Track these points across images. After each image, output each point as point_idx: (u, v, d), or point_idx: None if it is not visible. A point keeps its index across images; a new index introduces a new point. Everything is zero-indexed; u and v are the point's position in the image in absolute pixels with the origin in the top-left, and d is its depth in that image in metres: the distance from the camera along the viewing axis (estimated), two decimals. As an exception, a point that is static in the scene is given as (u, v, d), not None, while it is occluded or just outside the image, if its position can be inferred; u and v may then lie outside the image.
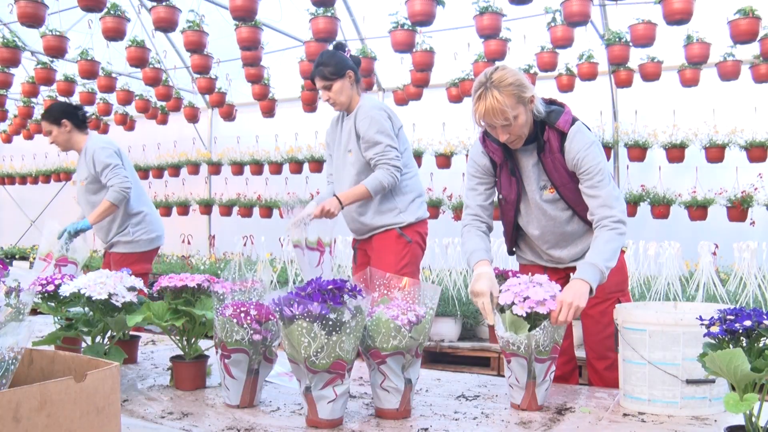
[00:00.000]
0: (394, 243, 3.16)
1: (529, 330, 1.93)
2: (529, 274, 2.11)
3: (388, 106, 3.30)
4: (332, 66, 3.14)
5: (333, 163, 3.34)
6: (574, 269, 2.43)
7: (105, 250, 4.08)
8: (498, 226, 2.62)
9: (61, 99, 8.05)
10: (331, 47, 3.30)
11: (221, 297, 1.99)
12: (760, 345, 1.44)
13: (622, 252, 2.52)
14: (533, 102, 2.25)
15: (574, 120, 2.33)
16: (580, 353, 2.79)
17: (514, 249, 2.66)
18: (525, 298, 1.93)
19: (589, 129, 2.37)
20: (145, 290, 2.35)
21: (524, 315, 1.93)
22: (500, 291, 2.04)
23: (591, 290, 2.10)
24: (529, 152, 2.37)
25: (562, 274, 2.53)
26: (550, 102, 2.38)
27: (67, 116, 3.92)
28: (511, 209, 2.49)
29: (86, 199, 3.95)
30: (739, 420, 1.58)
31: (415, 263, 3.22)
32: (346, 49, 3.31)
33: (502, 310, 2.02)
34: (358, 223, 3.22)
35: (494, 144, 2.39)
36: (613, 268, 2.27)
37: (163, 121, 9.16)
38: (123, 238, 3.95)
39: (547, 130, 2.30)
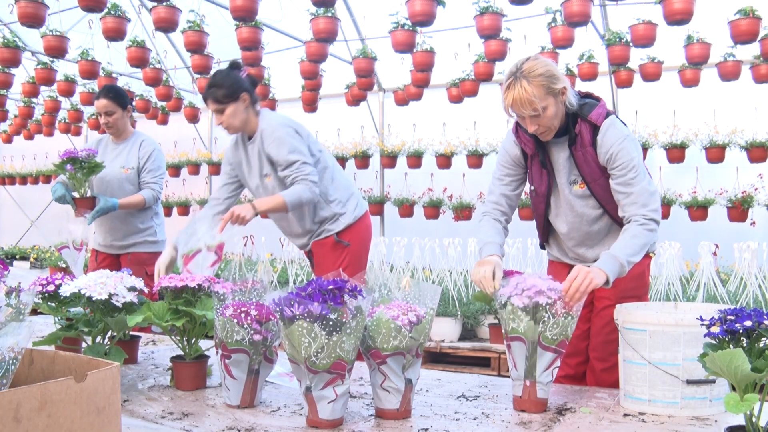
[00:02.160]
0: (331, 251, 3.14)
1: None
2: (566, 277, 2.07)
3: (289, 118, 3.14)
4: (225, 88, 2.95)
5: (248, 185, 3.20)
6: None
7: (110, 252, 3.97)
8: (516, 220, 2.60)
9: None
10: (226, 66, 3.11)
11: (222, 297, 1.99)
12: (761, 345, 1.44)
13: (649, 258, 2.49)
14: (565, 94, 2.22)
15: (608, 114, 2.29)
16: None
17: (545, 244, 2.64)
18: (523, 290, 1.93)
19: (624, 124, 2.33)
20: (146, 290, 2.35)
21: (521, 306, 1.91)
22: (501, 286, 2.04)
23: (608, 281, 2.08)
24: (560, 145, 2.33)
25: None
26: (585, 95, 2.35)
27: (130, 102, 3.94)
28: (541, 202, 2.46)
29: (120, 187, 3.84)
30: (739, 420, 1.58)
31: (356, 263, 3.15)
32: (243, 68, 3.12)
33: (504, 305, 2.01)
34: (297, 237, 3.20)
35: (526, 134, 2.35)
36: (632, 272, 2.26)
37: (164, 122, 9.17)
38: (150, 238, 3.92)
39: (579, 123, 2.27)
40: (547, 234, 2.58)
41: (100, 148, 3.98)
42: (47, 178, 10.36)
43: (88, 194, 3.67)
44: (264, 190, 3.09)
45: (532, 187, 2.47)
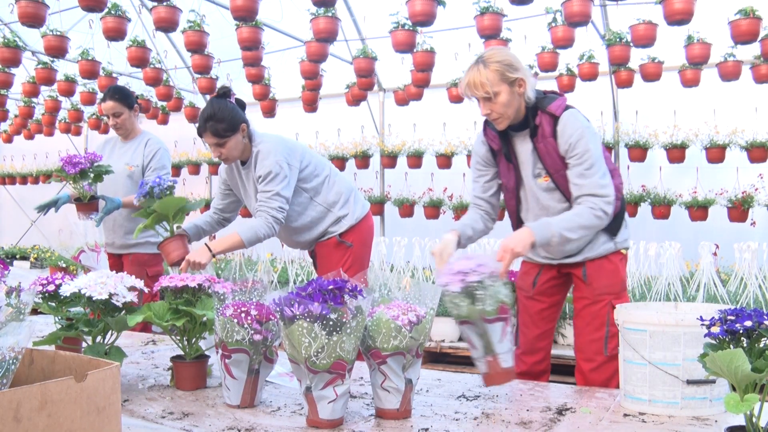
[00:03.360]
0: (335, 250, 3.14)
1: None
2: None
3: (281, 140, 3.04)
4: (226, 122, 2.83)
5: (246, 204, 3.20)
6: (567, 266, 2.51)
7: (111, 252, 3.95)
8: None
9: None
10: (216, 96, 2.95)
11: (222, 297, 1.99)
12: (761, 345, 1.44)
13: (622, 254, 2.52)
14: (522, 86, 2.28)
15: (568, 107, 2.33)
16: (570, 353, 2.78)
17: None
18: (455, 274, 1.98)
19: (585, 117, 2.36)
20: (146, 290, 2.34)
21: (459, 291, 1.97)
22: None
23: (533, 244, 2.19)
24: (522, 137, 2.39)
25: (554, 272, 2.56)
26: (549, 93, 2.40)
27: (135, 102, 3.98)
28: (511, 197, 2.51)
29: (122, 184, 3.83)
30: (739, 420, 1.58)
31: (358, 263, 3.18)
32: (231, 93, 2.97)
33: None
34: (300, 245, 3.21)
35: (493, 131, 2.42)
36: (606, 269, 2.40)
37: (164, 121, 9.17)
38: (152, 239, 3.88)
39: (539, 114, 2.32)
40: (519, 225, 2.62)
41: (108, 148, 3.99)
42: (47, 178, 10.35)
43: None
44: None
45: (503, 183, 2.53)
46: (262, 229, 2.90)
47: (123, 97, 3.88)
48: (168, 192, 2.93)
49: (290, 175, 2.95)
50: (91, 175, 3.50)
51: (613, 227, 2.42)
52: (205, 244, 2.93)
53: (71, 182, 3.53)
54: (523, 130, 2.37)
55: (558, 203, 2.39)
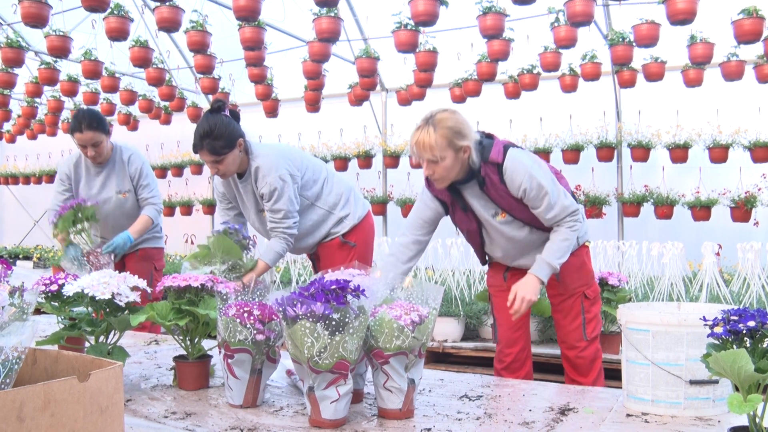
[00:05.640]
0: (338, 251, 3.17)
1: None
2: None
3: (279, 150, 3.04)
4: (224, 139, 2.78)
5: (245, 213, 3.20)
6: None
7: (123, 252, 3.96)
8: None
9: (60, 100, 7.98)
10: (211, 111, 2.88)
11: (224, 297, 1.99)
12: (764, 346, 1.44)
13: (585, 247, 2.73)
14: (468, 152, 2.37)
15: (506, 148, 2.42)
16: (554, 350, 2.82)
17: (486, 259, 2.83)
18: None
19: (522, 149, 2.48)
20: (148, 289, 2.35)
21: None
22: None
23: (543, 283, 2.45)
24: (470, 188, 2.49)
25: (524, 273, 2.66)
26: (482, 136, 2.47)
27: (108, 123, 3.72)
28: (476, 237, 2.65)
29: (122, 211, 3.76)
30: (742, 421, 1.57)
31: (362, 262, 3.20)
32: (225, 106, 2.92)
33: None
34: (303, 249, 3.23)
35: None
36: (574, 265, 2.60)
37: (167, 121, 9.18)
38: (157, 234, 3.95)
39: (483, 166, 2.41)
40: (484, 254, 2.78)
41: (82, 174, 3.75)
42: (50, 178, 10.37)
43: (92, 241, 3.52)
44: (261, 223, 3.12)
45: (462, 230, 2.66)
46: (281, 248, 3.00)
47: (100, 123, 3.53)
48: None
49: (294, 187, 2.98)
50: (83, 216, 3.40)
51: None
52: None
53: (73, 231, 3.38)
54: (470, 182, 2.47)
55: (519, 230, 2.56)
